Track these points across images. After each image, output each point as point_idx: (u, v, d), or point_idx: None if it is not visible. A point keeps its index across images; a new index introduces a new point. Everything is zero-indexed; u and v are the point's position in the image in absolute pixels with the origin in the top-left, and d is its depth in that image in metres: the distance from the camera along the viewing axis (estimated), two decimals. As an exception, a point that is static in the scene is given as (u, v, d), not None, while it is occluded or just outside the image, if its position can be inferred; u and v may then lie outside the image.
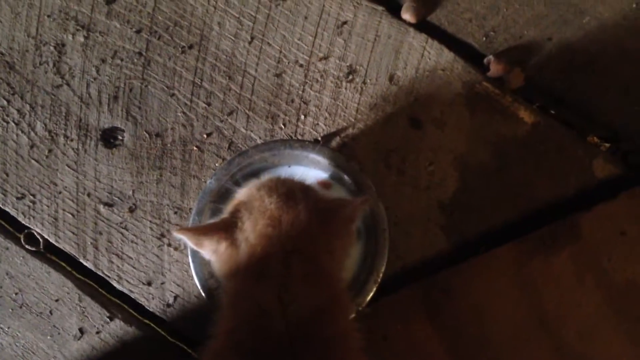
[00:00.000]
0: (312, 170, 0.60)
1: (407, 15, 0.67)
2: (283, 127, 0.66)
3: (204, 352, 0.44)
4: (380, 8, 0.67)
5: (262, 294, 0.43)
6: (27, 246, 0.65)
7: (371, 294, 0.56)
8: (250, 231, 0.46)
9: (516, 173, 0.63)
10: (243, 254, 0.46)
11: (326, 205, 0.48)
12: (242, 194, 0.50)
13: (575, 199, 0.63)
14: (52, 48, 0.68)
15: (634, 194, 0.59)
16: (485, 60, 0.66)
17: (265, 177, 0.53)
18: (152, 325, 0.64)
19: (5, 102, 0.67)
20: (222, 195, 0.58)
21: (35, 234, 0.65)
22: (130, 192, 0.65)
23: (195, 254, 0.57)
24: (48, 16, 0.68)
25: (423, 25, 0.67)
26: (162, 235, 0.65)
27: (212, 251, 0.47)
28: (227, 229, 0.47)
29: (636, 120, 0.64)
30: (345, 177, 0.58)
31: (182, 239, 0.47)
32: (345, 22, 0.67)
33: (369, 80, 0.66)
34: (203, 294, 0.57)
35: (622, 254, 0.58)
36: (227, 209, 0.50)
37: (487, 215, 0.63)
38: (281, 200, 0.47)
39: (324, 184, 0.59)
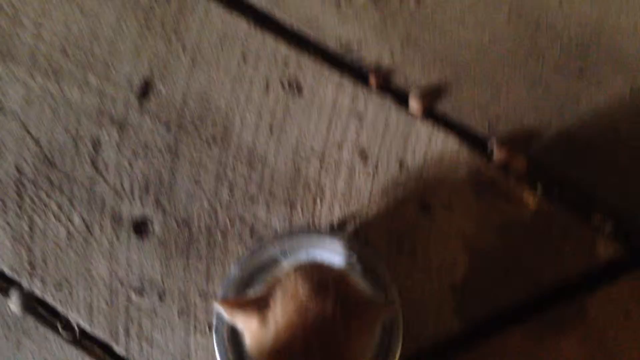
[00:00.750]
0: (328, 256, 0.63)
1: (414, 105, 0.71)
2: (301, 212, 0.71)
3: None
4: (388, 99, 0.72)
5: None
6: (64, 334, 0.69)
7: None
8: (280, 314, 0.49)
9: (523, 255, 0.66)
10: (270, 335, 0.49)
11: (354, 302, 0.50)
12: (281, 272, 0.53)
13: (581, 280, 0.65)
14: (88, 144, 0.74)
15: (637, 275, 0.62)
16: (488, 147, 0.70)
17: (304, 256, 0.56)
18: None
19: (46, 196, 0.73)
20: (246, 284, 0.62)
21: (72, 321, 0.70)
22: (160, 279, 0.70)
23: (220, 342, 0.61)
24: (85, 115, 0.74)
25: (429, 114, 0.72)
26: (189, 319, 0.69)
27: (245, 327, 0.51)
28: (260, 306, 0.50)
29: (636, 201, 0.67)
30: (360, 262, 0.62)
31: (219, 310, 0.50)
32: (356, 113, 0.72)
33: (380, 167, 0.71)
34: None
35: (628, 335, 0.60)
36: (267, 283, 0.53)
37: (497, 298, 0.66)
38: (312, 289, 0.49)
39: (340, 271, 0.62)
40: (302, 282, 0.50)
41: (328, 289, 0.50)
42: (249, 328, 0.50)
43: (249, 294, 0.56)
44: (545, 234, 0.66)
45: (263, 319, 0.50)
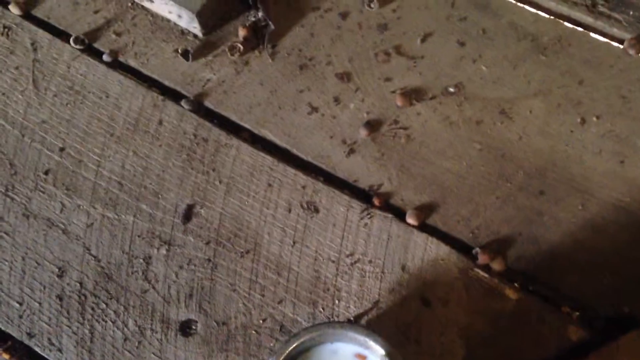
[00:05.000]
0: (349, 345, 0.76)
1: (411, 220, 0.88)
2: (322, 310, 0.84)
3: None
4: (390, 215, 0.89)
5: None
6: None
7: None
8: None
9: (507, 340, 0.80)
10: None
11: None
12: None
13: (557, 357, 0.78)
14: (141, 260, 0.88)
15: (600, 353, 0.75)
16: (473, 251, 0.86)
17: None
18: None
19: (104, 305, 0.86)
20: (282, 370, 0.74)
21: (130, 411, 0.80)
22: (204, 372, 0.82)
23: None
24: (138, 236, 0.90)
25: (423, 227, 0.88)
26: (230, 407, 0.80)
27: None
28: None
29: (593, 294, 0.82)
30: (377, 348, 0.75)
31: None
32: (364, 227, 0.88)
33: (386, 270, 0.86)
34: None
35: (599, 400, 0.73)
36: None
37: (491, 375, 0.78)
38: None
39: (360, 357, 0.75)
40: None
41: None
42: None
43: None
44: (524, 322, 0.80)
45: None
